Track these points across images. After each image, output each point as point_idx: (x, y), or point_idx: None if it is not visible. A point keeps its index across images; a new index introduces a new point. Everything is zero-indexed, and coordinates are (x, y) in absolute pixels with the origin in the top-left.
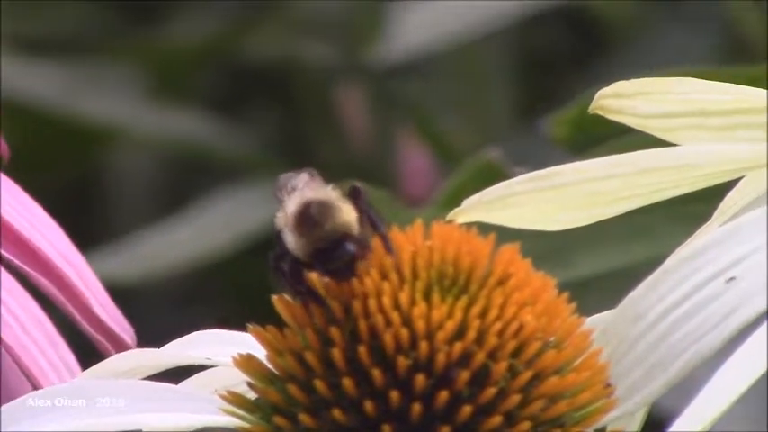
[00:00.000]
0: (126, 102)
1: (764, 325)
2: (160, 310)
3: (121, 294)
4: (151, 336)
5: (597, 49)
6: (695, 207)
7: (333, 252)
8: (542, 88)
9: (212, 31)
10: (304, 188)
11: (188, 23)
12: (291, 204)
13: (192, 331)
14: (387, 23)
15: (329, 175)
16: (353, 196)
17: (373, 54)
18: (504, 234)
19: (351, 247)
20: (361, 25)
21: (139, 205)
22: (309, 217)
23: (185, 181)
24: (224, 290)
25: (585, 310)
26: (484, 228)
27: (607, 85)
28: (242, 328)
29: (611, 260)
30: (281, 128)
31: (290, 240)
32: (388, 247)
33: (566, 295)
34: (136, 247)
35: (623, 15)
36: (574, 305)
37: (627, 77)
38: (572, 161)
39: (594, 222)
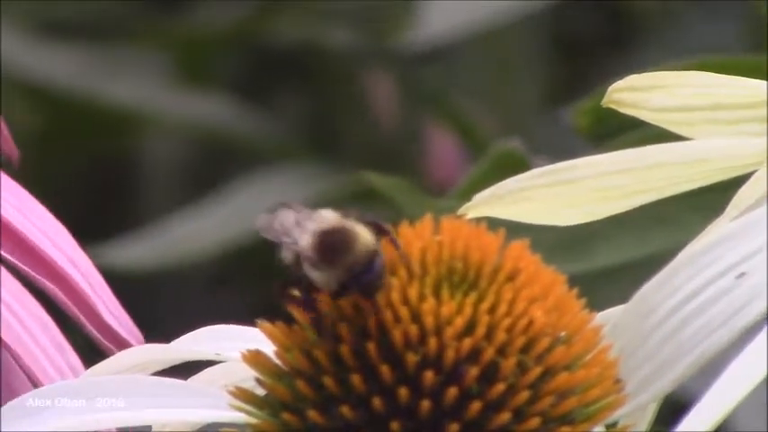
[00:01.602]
0: (153, 87)
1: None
2: (189, 296)
3: (151, 280)
4: (181, 321)
5: (629, 35)
6: (716, 196)
7: (368, 273)
8: (573, 74)
9: (238, 15)
10: (302, 220)
11: (214, 8)
12: (303, 241)
13: (221, 316)
14: (414, 8)
15: (356, 161)
16: (349, 214)
17: (400, 39)
18: (520, 225)
19: (380, 262)
20: (388, 10)
21: (167, 191)
22: (335, 246)
23: (213, 166)
24: (253, 275)
25: (604, 301)
26: (499, 220)
27: (639, 72)
28: (269, 313)
29: (630, 250)
30: (308, 113)
31: (316, 275)
32: (401, 252)
33: (576, 290)
34: (164, 232)
35: (654, 1)
36: (585, 300)
37: (658, 64)
38: (595, 150)
39: (613, 214)
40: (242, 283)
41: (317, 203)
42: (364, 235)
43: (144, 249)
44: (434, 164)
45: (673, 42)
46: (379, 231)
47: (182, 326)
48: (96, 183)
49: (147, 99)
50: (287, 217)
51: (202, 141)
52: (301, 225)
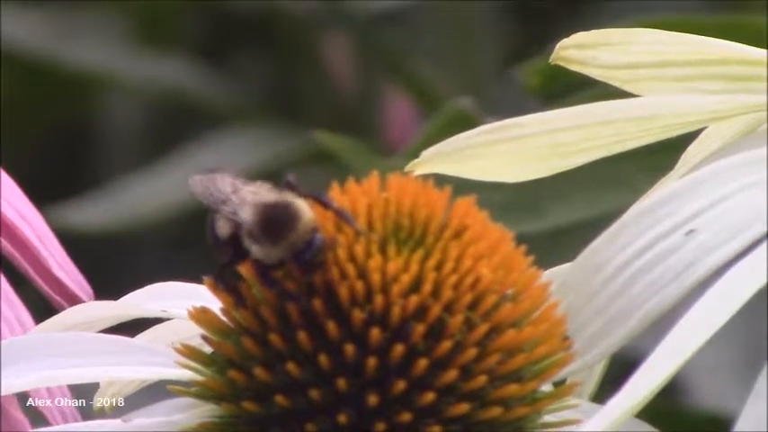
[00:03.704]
0: (113, 49)
1: (727, 275)
2: (150, 258)
3: (111, 241)
4: (141, 283)
5: (587, 1)
6: (668, 157)
7: (309, 249)
8: (532, 39)
9: None
10: (240, 190)
11: None
12: (245, 213)
13: (182, 278)
14: None
15: (315, 124)
16: (289, 187)
17: (358, 2)
18: (470, 185)
19: (321, 237)
20: None
21: (127, 153)
22: (279, 224)
23: (172, 128)
24: None
25: (555, 261)
26: (457, 181)
27: None
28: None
29: (581, 211)
30: (268, 76)
31: (255, 249)
32: (348, 220)
33: (526, 249)
34: (123, 193)
35: None
36: (535, 260)
37: (620, 26)
38: (547, 110)
39: (564, 173)
40: (201, 244)
41: (276, 165)
42: (306, 212)
43: (103, 210)
44: (392, 126)
45: (630, 10)
46: (321, 205)
47: (142, 287)
48: (56, 145)
49: (107, 61)
50: (224, 184)
51: (162, 103)
52: (238, 193)
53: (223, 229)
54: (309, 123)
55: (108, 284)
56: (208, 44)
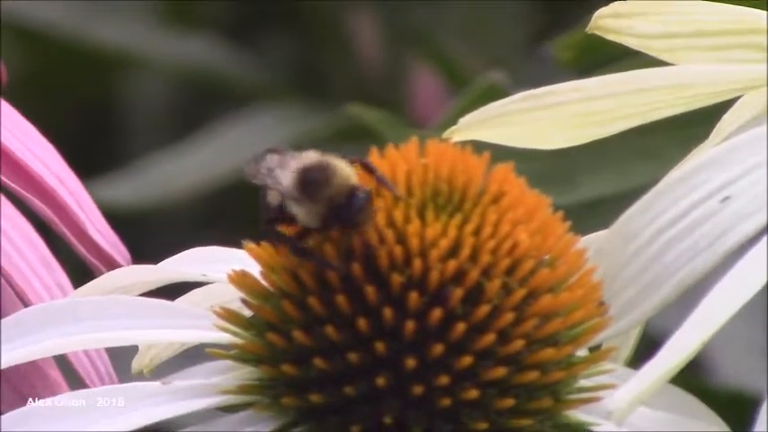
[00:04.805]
0: (139, 28)
1: (760, 245)
2: (176, 235)
3: (138, 219)
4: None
5: None
6: (700, 130)
7: (349, 205)
8: (558, 16)
9: None
10: (286, 161)
11: None
12: (285, 179)
13: None
14: None
15: (341, 101)
16: (331, 152)
17: None
18: (505, 155)
19: (362, 194)
20: None
21: (153, 132)
22: (315, 180)
23: (199, 107)
24: (239, 215)
25: (587, 233)
26: (494, 151)
27: None
28: None
29: (613, 183)
30: (294, 53)
31: (299, 211)
32: (387, 185)
33: (560, 214)
34: (150, 171)
35: None
36: (569, 224)
37: None
38: None
39: (597, 144)
40: (228, 222)
41: (302, 143)
42: (344, 169)
43: (130, 188)
44: (419, 103)
45: None
46: (365, 169)
47: None
48: (82, 124)
49: (134, 40)
50: (271, 160)
51: (188, 82)
52: (284, 166)
53: (273, 201)
54: (336, 101)
55: (135, 261)
56: (234, 22)
